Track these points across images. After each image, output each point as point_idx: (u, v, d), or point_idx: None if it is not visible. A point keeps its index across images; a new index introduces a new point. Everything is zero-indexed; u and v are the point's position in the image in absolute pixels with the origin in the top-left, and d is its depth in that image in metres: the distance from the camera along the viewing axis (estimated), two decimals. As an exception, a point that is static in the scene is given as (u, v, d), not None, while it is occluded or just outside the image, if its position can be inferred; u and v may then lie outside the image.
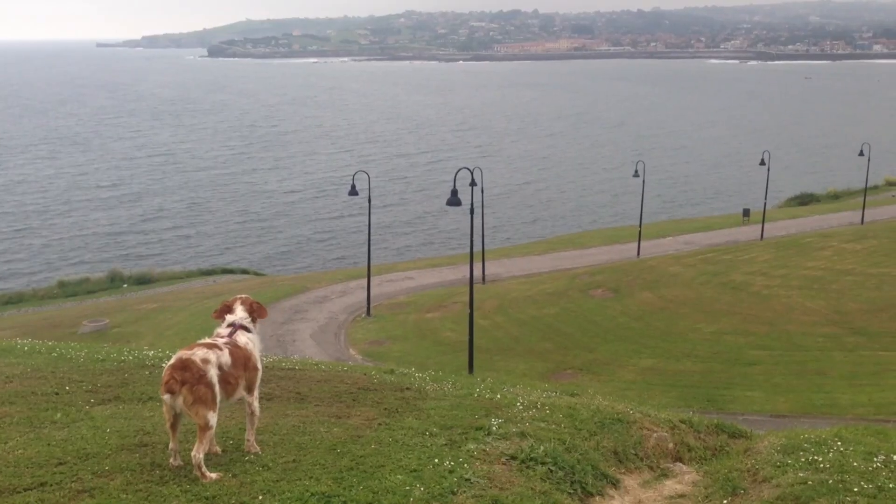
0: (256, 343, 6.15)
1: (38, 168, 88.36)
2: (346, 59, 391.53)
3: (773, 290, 34.93)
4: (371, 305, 36.90)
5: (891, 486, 5.68)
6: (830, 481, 5.74)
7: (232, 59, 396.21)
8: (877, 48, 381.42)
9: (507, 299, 37.14)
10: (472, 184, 28.81)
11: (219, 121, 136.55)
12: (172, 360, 5.57)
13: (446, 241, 60.95)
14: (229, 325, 6.12)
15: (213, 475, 5.52)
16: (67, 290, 45.31)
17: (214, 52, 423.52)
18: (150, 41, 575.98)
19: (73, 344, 11.41)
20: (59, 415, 6.69)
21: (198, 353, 5.58)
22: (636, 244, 47.24)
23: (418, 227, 65.37)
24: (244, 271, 51.17)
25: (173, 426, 5.62)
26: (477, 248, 33.51)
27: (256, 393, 6.05)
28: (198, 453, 5.48)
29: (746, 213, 57.34)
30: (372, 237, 39.81)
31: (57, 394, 7.38)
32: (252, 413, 6.02)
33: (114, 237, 61.02)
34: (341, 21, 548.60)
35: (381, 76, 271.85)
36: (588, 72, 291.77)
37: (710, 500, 6.15)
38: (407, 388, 8.30)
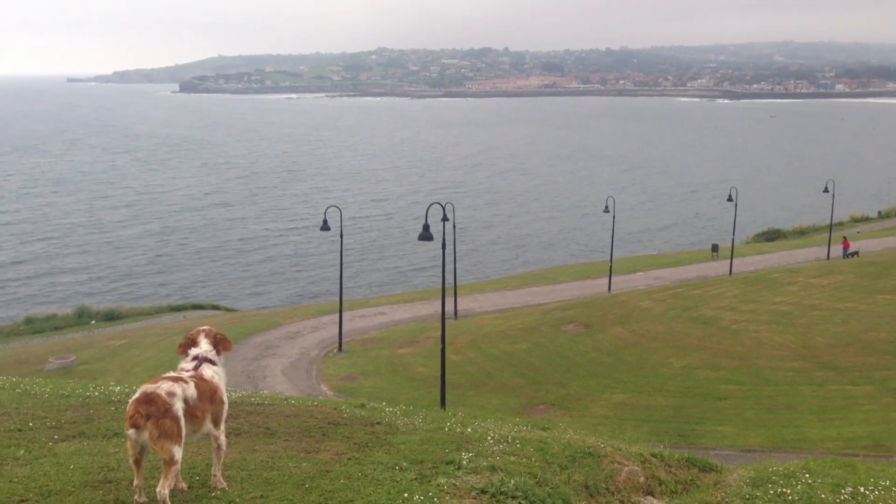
0: (222, 376, 6.08)
1: (6, 203, 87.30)
2: (319, 94, 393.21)
3: (742, 325, 35.23)
4: (343, 341, 36.70)
5: (858, 516, 5.73)
6: (799, 513, 5.77)
7: (205, 94, 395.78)
8: (839, 87, 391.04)
9: (479, 334, 37.13)
10: (444, 219, 28.98)
11: (191, 157, 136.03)
12: (137, 394, 5.48)
13: (419, 276, 60.92)
14: (194, 359, 6.05)
15: (178, 512, 5.44)
16: (34, 327, 44.56)
17: (186, 87, 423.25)
18: (122, 76, 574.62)
19: (38, 380, 11.21)
20: (21, 451, 6.55)
21: (163, 387, 5.51)
22: (607, 279, 47.58)
23: (391, 262, 65.28)
24: (215, 307, 50.63)
25: (138, 462, 5.52)
26: (449, 283, 33.54)
27: (223, 427, 5.97)
28: (163, 489, 5.39)
29: (715, 248, 58.10)
30: (344, 273, 39.74)
31: (20, 430, 7.23)
32: (219, 447, 5.94)
33: (82, 272, 60.22)
34: (314, 57, 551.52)
35: (356, 112, 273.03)
36: (559, 110, 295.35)
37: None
38: (377, 423, 8.25)
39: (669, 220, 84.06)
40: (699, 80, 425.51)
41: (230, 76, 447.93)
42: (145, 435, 5.38)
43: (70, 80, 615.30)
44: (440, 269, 26.98)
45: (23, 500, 5.54)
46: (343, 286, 38.90)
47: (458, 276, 43.59)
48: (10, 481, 5.89)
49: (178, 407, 5.49)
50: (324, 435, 7.60)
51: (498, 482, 6.33)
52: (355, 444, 7.28)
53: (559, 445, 8.09)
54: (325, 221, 38.28)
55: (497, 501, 6.04)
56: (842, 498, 6.15)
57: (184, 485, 5.93)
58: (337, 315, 37.94)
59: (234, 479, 6.08)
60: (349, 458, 6.74)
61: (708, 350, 32.16)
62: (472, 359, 33.37)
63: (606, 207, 51.19)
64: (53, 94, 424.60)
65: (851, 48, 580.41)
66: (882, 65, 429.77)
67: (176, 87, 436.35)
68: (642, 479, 8.28)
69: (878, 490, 6.37)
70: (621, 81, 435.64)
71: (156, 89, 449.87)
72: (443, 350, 25.92)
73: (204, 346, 6.15)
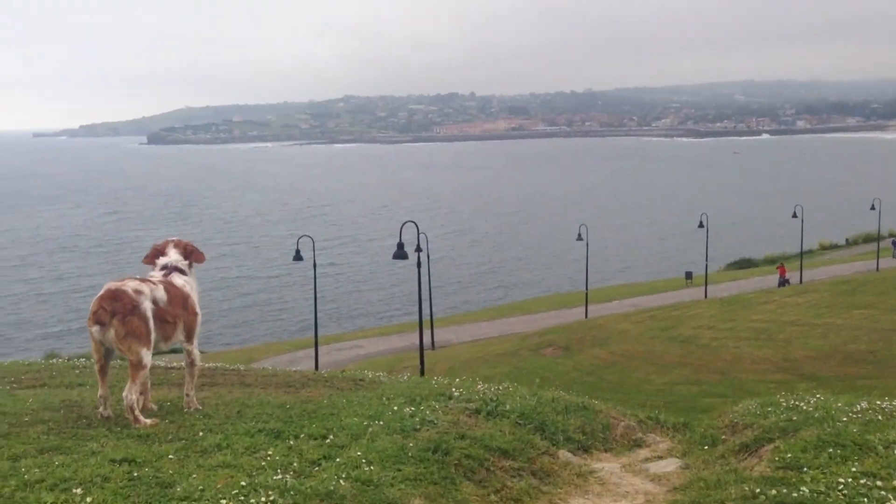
0: (194, 286, 5.65)
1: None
2: (288, 143, 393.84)
3: (721, 342, 35.04)
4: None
5: (879, 418, 5.38)
6: (816, 415, 5.42)
7: (173, 146, 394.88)
8: (800, 124, 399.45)
9: (457, 361, 36.58)
10: (418, 249, 29.20)
11: (160, 205, 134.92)
12: (102, 291, 5.02)
13: (393, 311, 60.32)
14: (163, 268, 5.60)
15: (148, 421, 4.95)
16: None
17: (154, 139, 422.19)
18: (88, 130, 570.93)
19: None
20: (-25, 394, 6.05)
21: (130, 284, 5.06)
22: (583, 308, 47.34)
23: (366, 298, 64.65)
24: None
25: (102, 369, 5.04)
26: (425, 315, 33.19)
27: (195, 342, 5.51)
28: (130, 394, 4.90)
29: (689, 275, 58.21)
30: (319, 310, 39.08)
31: (-26, 385, 6.71)
32: (192, 363, 5.47)
33: (49, 319, 58.91)
34: (281, 106, 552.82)
35: (324, 160, 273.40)
36: (527, 151, 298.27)
37: (692, 451, 5.75)
38: (360, 380, 7.82)
39: (642, 250, 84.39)
40: (663, 120, 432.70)
41: (198, 127, 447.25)
42: (111, 333, 4.91)
43: (36, 134, 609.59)
44: (414, 307, 26.73)
45: (-26, 419, 5.04)
46: (318, 318, 38.25)
47: (433, 309, 43.12)
48: (-39, 410, 5.39)
49: (147, 306, 5.04)
50: (303, 385, 7.16)
51: (493, 404, 5.92)
52: (338, 389, 6.85)
53: (550, 397, 7.70)
54: (297, 251, 37.81)
55: (493, 417, 5.62)
56: (858, 408, 5.81)
57: (153, 405, 5.45)
58: (311, 349, 37.25)
59: (208, 405, 5.62)
60: (332, 395, 6.30)
61: (688, 366, 31.86)
62: (444, 379, 32.79)
63: (580, 235, 51.19)
64: (20, 149, 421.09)
65: (810, 86, 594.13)
66: (840, 101, 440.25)
67: (144, 139, 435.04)
68: (640, 435, 7.92)
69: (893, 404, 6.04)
70: (587, 123, 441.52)
71: (123, 142, 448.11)
72: (422, 370, 25.44)
73: (173, 256, 5.74)
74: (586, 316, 46.05)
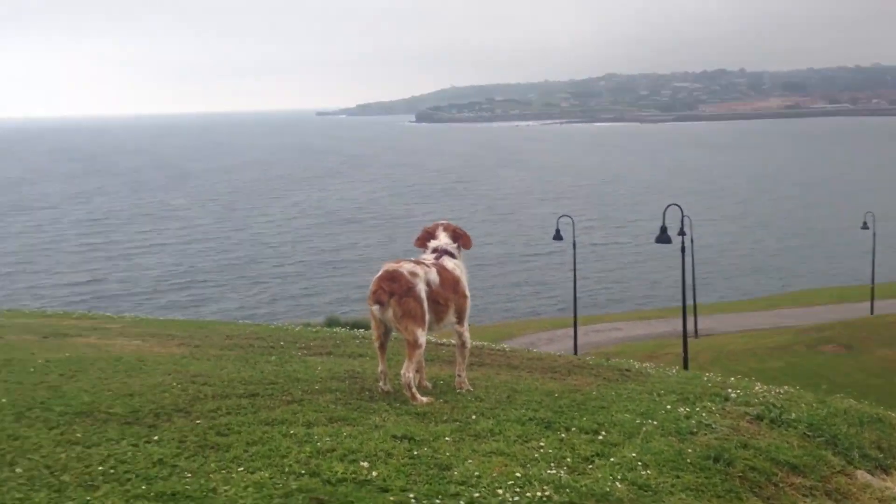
0: (463, 269, 5.79)
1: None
2: (547, 121, 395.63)
3: None
4: (578, 354, 35.96)
5: None
6: None
7: (438, 124, 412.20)
8: None
9: (723, 352, 34.83)
10: (682, 233, 28.13)
11: (430, 181, 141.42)
12: (380, 272, 5.32)
13: (654, 295, 58.69)
14: (434, 251, 5.81)
15: (424, 399, 5.15)
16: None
17: (422, 117, 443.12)
18: (363, 109, 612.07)
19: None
20: (273, 357, 6.69)
21: (405, 266, 5.31)
22: (868, 303, 43.00)
23: (626, 280, 63.55)
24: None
25: (382, 346, 5.35)
26: (689, 302, 31.89)
27: (466, 324, 5.65)
28: (407, 372, 5.14)
29: None
30: (577, 290, 38.92)
31: (272, 347, 7.43)
32: (462, 345, 5.62)
33: (331, 287, 64.03)
34: (542, 85, 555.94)
35: (585, 138, 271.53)
36: (805, 132, 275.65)
37: None
38: (626, 370, 7.59)
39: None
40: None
41: (462, 105, 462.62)
42: (389, 313, 5.19)
43: (319, 113, 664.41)
44: (675, 292, 25.75)
45: (272, 383, 5.56)
46: (577, 298, 38.12)
47: (697, 296, 41.35)
48: (262, 372, 5.97)
49: (421, 288, 5.25)
50: (569, 372, 7.08)
51: (776, 410, 5.45)
52: (604, 379, 6.69)
53: (841, 407, 6.97)
54: (557, 231, 37.95)
55: (778, 426, 5.17)
56: None
57: (427, 383, 5.67)
58: (570, 329, 37.29)
59: (478, 386, 5.72)
60: (599, 385, 6.16)
61: None
62: (716, 376, 31.31)
63: (865, 223, 46.53)
64: (306, 126, 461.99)
65: None
66: None
67: (412, 117, 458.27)
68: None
69: None
70: (874, 100, 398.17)
71: (394, 120, 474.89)
72: (685, 360, 24.53)
73: (443, 239, 5.92)
74: (871, 312, 41.78)
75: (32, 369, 6.58)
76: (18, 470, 4.03)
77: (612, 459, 4.40)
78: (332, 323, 49.41)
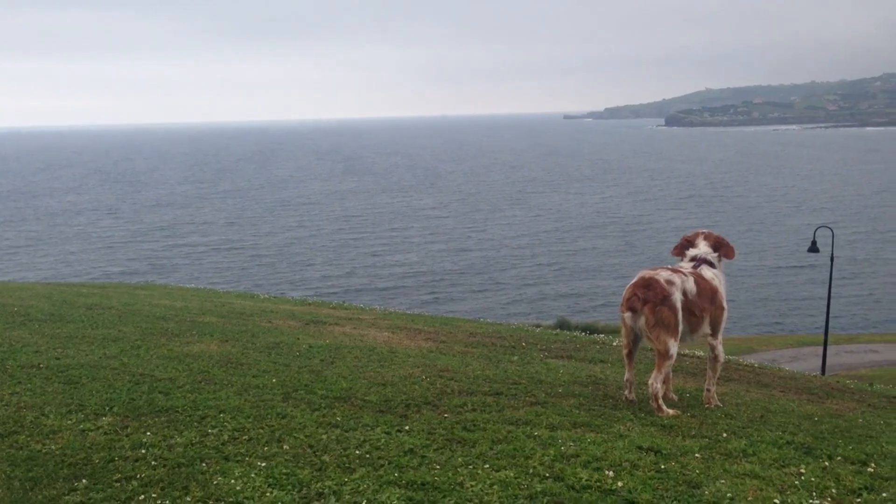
0: (722, 280, 5.54)
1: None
2: (810, 125, 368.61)
3: None
4: (825, 375, 33.25)
5: None
6: None
7: (689, 128, 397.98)
8: None
9: None
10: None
11: (677, 188, 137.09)
12: (635, 279, 5.22)
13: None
14: (692, 259, 5.61)
15: (671, 411, 5.00)
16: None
17: (671, 121, 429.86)
18: (612, 112, 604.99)
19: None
20: (515, 357, 6.82)
21: (662, 274, 5.16)
22: None
23: (885, 297, 57.73)
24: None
25: (630, 354, 5.25)
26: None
27: (720, 337, 5.42)
28: (655, 382, 5.01)
29: None
30: (832, 305, 35.94)
31: (514, 346, 7.58)
32: (715, 358, 5.39)
33: (562, 289, 64.06)
34: (807, 87, 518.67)
35: (854, 144, 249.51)
36: None
37: None
38: (895, 398, 6.92)
39: None
40: None
41: (715, 109, 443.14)
42: (641, 321, 5.08)
43: (566, 116, 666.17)
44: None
45: (515, 383, 5.68)
46: (830, 314, 35.24)
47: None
48: (506, 371, 6.11)
49: (677, 297, 5.08)
50: (827, 395, 6.57)
51: None
52: (869, 405, 6.12)
53: None
54: (813, 242, 35.27)
55: None
56: None
57: (674, 395, 5.51)
58: (815, 347, 34.56)
59: (727, 403, 5.48)
60: (864, 412, 5.66)
61: None
62: None
63: None
64: (553, 128, 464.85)
65: None
66: None
67: (661, 121, 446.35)
68: None
69: None
70: None
71: (642, 123, 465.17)
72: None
73: (703, 248, 5.71)
74: None
75: (298, 353, 7.22)
76: (286, 447, 4.46)
77: (883, 494, 4.00)
78: (562, 325, 49.52)
